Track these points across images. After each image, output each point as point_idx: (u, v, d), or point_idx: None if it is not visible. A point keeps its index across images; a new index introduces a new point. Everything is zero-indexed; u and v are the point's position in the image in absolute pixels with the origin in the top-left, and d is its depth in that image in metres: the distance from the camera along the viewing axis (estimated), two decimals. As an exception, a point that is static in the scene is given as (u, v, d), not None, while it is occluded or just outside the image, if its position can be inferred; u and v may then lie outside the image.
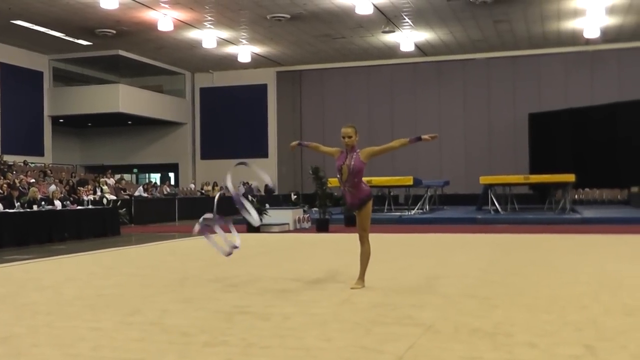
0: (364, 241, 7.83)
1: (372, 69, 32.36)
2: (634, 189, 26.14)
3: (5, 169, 24.53)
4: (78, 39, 27.43)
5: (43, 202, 17.67)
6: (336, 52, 30.31)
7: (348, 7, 23.05)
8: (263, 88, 34.32)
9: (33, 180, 23.36)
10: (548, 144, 27.22)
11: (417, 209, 24.10)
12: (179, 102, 34.78)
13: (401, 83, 32.26)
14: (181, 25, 25.26)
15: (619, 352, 4.81)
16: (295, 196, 28.38)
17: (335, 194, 20.92)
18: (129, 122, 33.74)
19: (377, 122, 31.61)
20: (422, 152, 31.40)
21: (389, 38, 27.75)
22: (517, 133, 29.44)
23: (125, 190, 26.78)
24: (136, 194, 26.63)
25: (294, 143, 8.59)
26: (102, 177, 27.04)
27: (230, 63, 31.77)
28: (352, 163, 7.59)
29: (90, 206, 19.73)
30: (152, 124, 34.09)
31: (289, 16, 24.50)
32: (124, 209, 21.56)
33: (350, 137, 7.63)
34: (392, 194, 25.87)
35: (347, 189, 7.72)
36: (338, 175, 7.78)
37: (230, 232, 8.71)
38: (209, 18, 24.76)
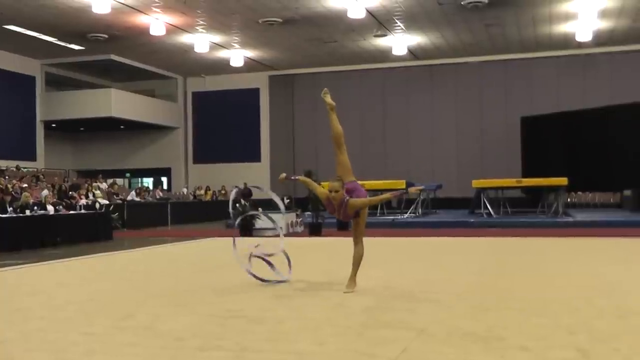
0: (357, 242, 7.88)
1: (365, 72, 32.35)
2: (627, 192, 26.17)
3: (-2, 174, 24.47)
4: (70, 43, 27.37)
5: (35, 207, 17.63)
6: (328, 56, 30.31)
7: (340, 11, 23.05)
8: (255, 92, 34.31)
9: (25, 185, 23.30)
10: (540, 147, 27.22)
11: (410, 213, 24.09)
12: (171, 106, 34.73)
13: (393, 87, 32.25)
14: (173, 29, 25.23)
15: (612, 355, 4.82)
16: (288, 200, 28.38)
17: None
18: (122, 127, 33.68)
19: (369, 126, 31.62)
20: (415, 156, 31.41)
21: (381, 42, 27.76)
22: (510, 136, 29.43)
23: (117, 195, 26.73)
24: (129, 198, 26.58)
25: (282, 176, 8.59)
26: (95, 182, 26.98)
27: (222, 67, 31.73)
28: (342, 215, 7.85)
29: (82, 211, 19.69)
30: (144, 129, 34.03)
31: (281, 20, 24.49)
32: (117, 214, 21.53)
33: (337, 191, 7.69)
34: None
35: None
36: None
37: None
38: (201, 22, 24.74)
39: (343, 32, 26.28)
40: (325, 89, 8.55)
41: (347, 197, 7.69)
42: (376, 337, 5.50)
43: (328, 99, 8.39)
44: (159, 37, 25.45)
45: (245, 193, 31.07)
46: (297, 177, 8.69)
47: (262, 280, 8.54)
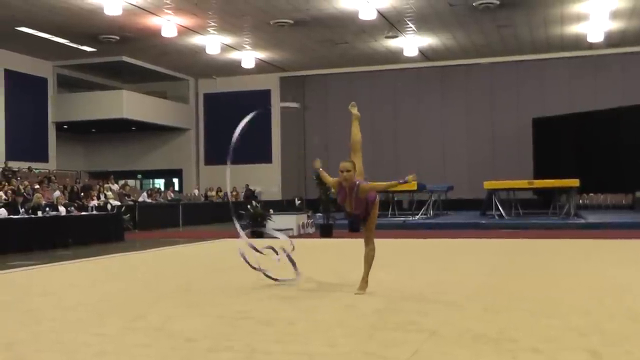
0: (368, 242, 7.84)
1: (376, 74, 32.33)
2: (639, 194, 26.08)
3: (10, 175, 24.56)
4: (82, 45, 27.48)
5: (47, 208, 17.68)
6: (339, 57, 30.32)
7: (351, 12, 23.05)
8: (267, 93, 34.33)
9: (37, 186, 23.38)
10: (552, 149, 27.18)
11: (421, 214, 24.06)
12: (182, 107, 34.81)
13: (404, 88, 32.24)
14: (185, 31, 25.29)
15: (623, 358, 4.80)
16: (299, 201, 28.39)
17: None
18: (133, 128, 33.77)
19: (380, 127, 31.57)
20: (426, 157, 31.37)
21: (392, 43, 27.75)
22: (521, 138, 29.39)
23: (129, 196, 26.80)
24: (140, 199, 26.64)
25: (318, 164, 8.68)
26: (107, 183, 27.06)
27: (233, 69, 31.78)
28: (354, 203, 7.75)
29: (94, 212, 19.74)
30: (156, 130, 34.12)
31: (292, 22, 24.52)
32: (128, 215, 21.59)
33: (348, 171, 7.65)
34: (395, 199, 25.84)
35: (354, 214, 7.96)
36: (343, 207, 8.01)
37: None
38: (213, 24, 24.79)
39: (354, 33, 26.29)
40: (353, 102, 8.64)
41: (359, 182, 7.68)
42: (387, 338, 5.49)
43: (355, 110, 8.42)
44: (171, 38, 25.51)
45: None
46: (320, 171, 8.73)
47: (269, 277, 8.58)
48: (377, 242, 7.95)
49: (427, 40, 27.60)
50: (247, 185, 32.70)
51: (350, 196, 7.70)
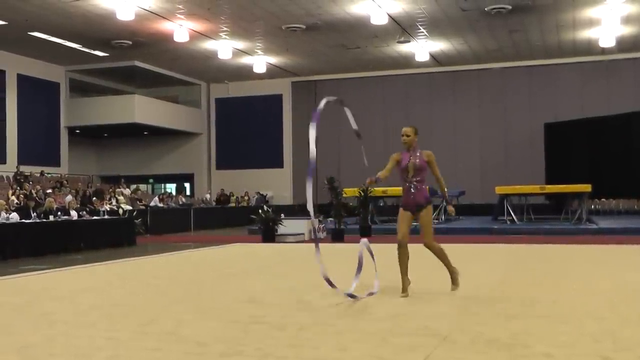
0: (433, 245, 8.34)
1: (387, 78, 32.34)
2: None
3: (22, 180, 24.66)
4: (94, 50, 27.58)
5: (59, 213, 17.74)
6: (351, 62, 30.32)
7: (363, 17, 23.06)
8: (278, 98, 34.38)
9: (49, 190, 23.46)
10: (564, 154, 27.08)
11: (433, 219, 23.97)
12: (194, 112, 34.87)
13: (416, 93, 32.21)
14: (197, 36, 25.34)
15: (637, 363, 4.78)
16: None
17: (351, 203, 20.87)
18: (145, 133, 33.87)
19: (392, 132, 31.50)
20: (438, 162, 31.22)
21: (404, 48, 27.73)
22: (533, 143, 29.32)
23: (141, 201, 26.86)
24: (152, 204, 26.70)
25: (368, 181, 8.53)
26: (118, 188, 27.13)
27: (245, 73, 31.83)
28: (417, 161, 8.27)
29: (106, 216, 19.79)
30: (168, 135, 34.20)
31: (304, 26, 24.54)
32: (140, 219, 21.63)
33: (408, 135, 8.33)
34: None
35: (414, 184, 8.32)
36: (404, 175, 8.31)
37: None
38: (225, 29, 24.83)
39: (366, 38, 26.28)
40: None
41: (419, 150, 8.13)
42: (399, 343, 5.48)
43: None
44: (183, 43, 25.56)
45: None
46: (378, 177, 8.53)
47: (335, 287, 8.11)
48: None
49: (439, 45, 27.58)
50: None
51: (414, 159, 8.27)
